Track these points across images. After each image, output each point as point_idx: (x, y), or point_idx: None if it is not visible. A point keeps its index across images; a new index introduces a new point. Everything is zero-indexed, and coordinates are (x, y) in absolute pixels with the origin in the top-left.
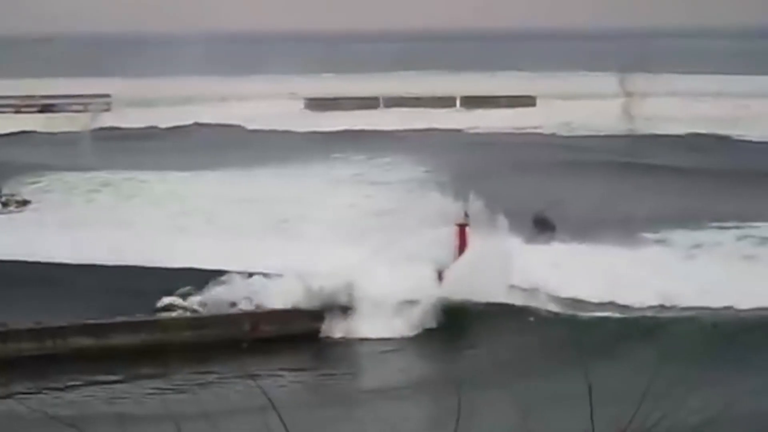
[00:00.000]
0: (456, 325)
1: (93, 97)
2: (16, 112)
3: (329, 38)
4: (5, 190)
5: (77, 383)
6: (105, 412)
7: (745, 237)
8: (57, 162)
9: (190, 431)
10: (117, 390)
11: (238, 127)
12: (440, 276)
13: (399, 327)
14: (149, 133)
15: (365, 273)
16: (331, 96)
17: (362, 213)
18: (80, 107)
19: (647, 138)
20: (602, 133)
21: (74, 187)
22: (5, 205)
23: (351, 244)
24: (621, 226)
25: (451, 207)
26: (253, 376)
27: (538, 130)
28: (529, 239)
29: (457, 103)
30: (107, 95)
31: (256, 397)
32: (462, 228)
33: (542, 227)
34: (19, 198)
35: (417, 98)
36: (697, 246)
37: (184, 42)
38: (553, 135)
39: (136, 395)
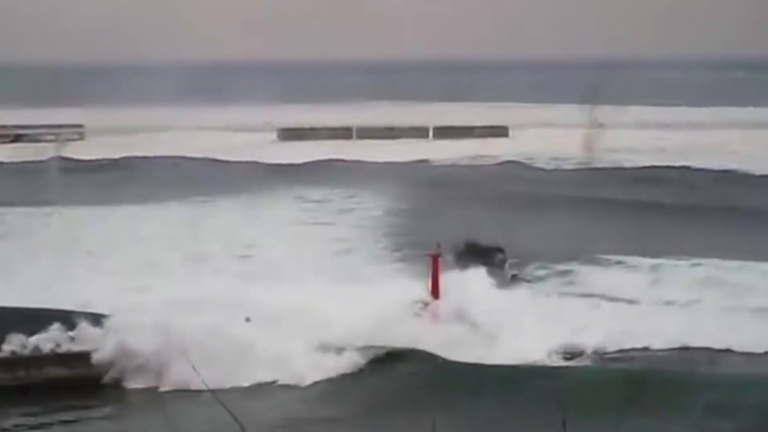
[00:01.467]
0: None
1: (66, 127)
2: None
3: (302, 68)
4: None
5: None
6: None
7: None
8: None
9: None
10: None
11: (208, 158)
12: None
13: None
14: (115, 164)
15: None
16: (304, 126)
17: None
18: (53, 137)
19: (608, 170)
20: (566, 166)
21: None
22: None
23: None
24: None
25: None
26: None
27: (510, 159)
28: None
29: (430, 133)
30: (80, 125)
31: None
32: (435, 258)
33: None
34: None
35: (390, 128)
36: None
37: (158, 71)
38: (519, 166)
39: None
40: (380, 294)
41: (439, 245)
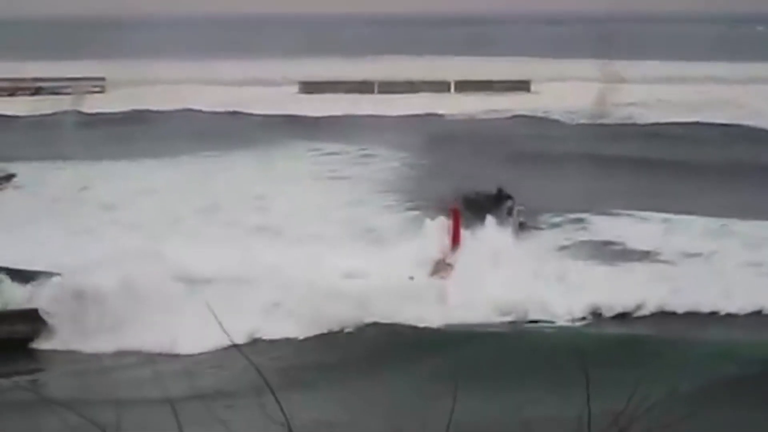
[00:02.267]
0: None
1: (87, 79)
2: (10, 95)
3: (323, 21)
4: None
5: None
6: None
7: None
8: (32, 151)
9: None
10: None
11: (226, 111)
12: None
13: None
14: (133, 117)
15: None
16: (325, 79)
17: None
18: (73, 90)
19: (623, 126)
20: (581, 120)
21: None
22: None
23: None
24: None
25: None
26: None
27: (529, 114)
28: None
29: (452, 87)
30: (101, 78)
31: None
32: (455, 211)
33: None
34: (1, 173)
35: (411, 82)
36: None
37: (180, 24)
38: (537, 120)
39: None
40: (395, 253)
41: (458, 198)
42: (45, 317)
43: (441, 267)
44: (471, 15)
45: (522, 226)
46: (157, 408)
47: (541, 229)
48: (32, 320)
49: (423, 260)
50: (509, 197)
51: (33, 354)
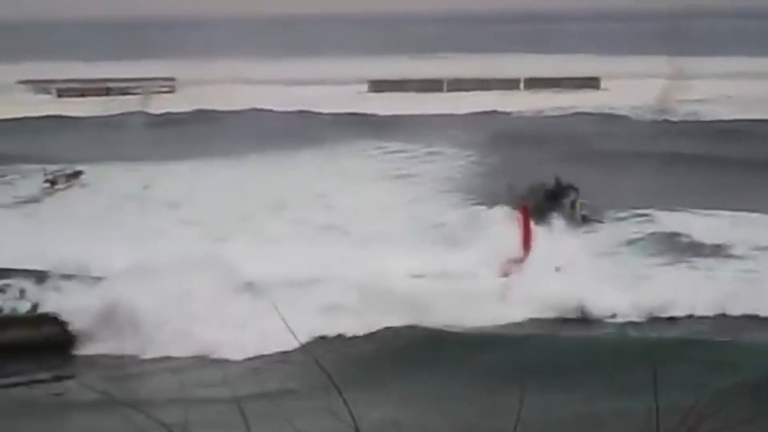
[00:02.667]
0: None
1: (157, 80)
2: (80, 96)
3: (393, 20)
4: (53, 168)
5: None
6: None
7: None
8: (99, 151)
9: None
10: None
11: (295, 111)
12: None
13: None
14: (202, 117)
15: None
16: (395, 78)
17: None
18: (144, 90)
19: (689, 123)
20: (647, 117)
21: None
22: (53, 183)
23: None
24: None
25: None
26: None
27: (597, 111)
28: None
29: (521, 84)
30: (171, 78)
31: None
32: (525, 209)
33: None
34: (69, 171)
35: (481, 80)
36: None
37: (251, 24)
38: (604, 117)
39: None
40: (461, 251)
41: (527, 196)
42: (68, 322)
43: (510, 266)
44: (541, 11)
45: (584, 219)
46: (224, 407)
47: (602, 222)
48: (53, 325)
49: (489, 258)
50: (573, 189)
51: (87, 358)
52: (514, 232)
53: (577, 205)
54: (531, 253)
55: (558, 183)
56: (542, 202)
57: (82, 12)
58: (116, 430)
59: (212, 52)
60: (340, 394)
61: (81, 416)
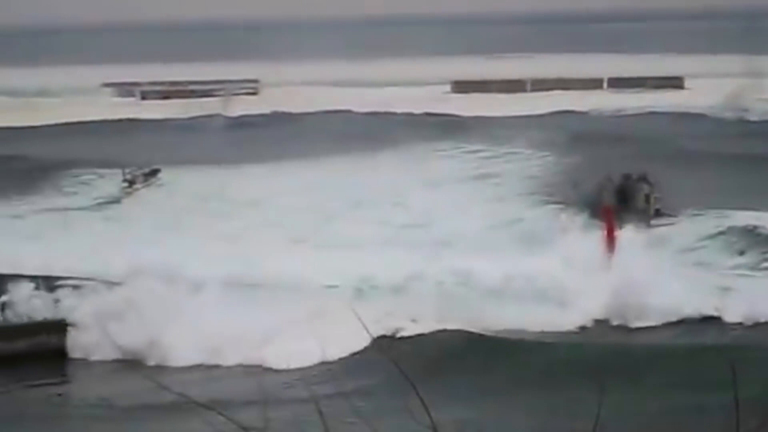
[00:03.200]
0: None
1: (241, 82)
2: (164, 98)
3: (475, 20)
4: (131, 167)
5: None
6: None
7: None
8: (178, 154)
9: None
10: None
11: (376, 112)
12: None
13: None
14: (284, 119)
15: None
16: (478, 78)
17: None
18: (228, 92)
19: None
20: (727, 116)
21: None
22: (131, 183)
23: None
24: None
25: None
26: None
27: (679, 110)
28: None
29: (605, 84)
30: (255, 80)
31: None
32: (608, 211)
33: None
34: (147, 170)
35: (564, 80)
36: None
37: (333, 26)
38: (686, 117)
39: None
40: (542, 251)
41: (611, 197)
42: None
43: (595, 265)
44: (623, 11)
45: (657, 213)
46: (302, 408)
47: (675, 216)
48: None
49: (569, 259)
50: (647, 183)
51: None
52: (596, 233)
53: (651, 198)
54: (614, 254)
55: (627, 177)
56: (613, 198)
57: (166, 15)
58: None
59: (296, 54)
60: (417, 394)
61: (158, 418)
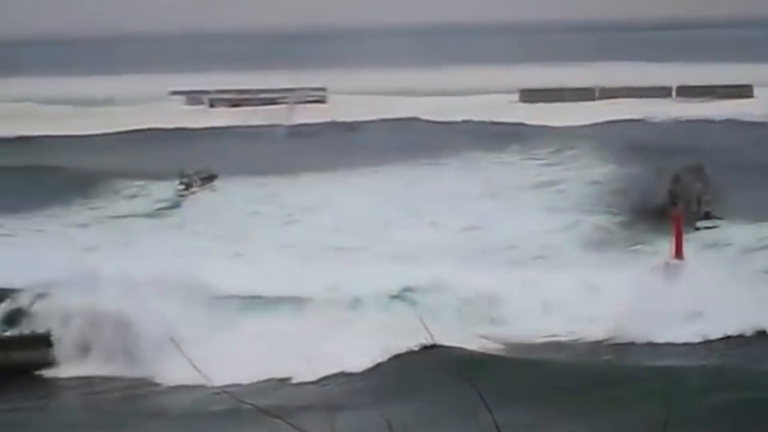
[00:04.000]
0: None
1: (308, 90)
2: (233, 106)
3: (542, 29)
4: (189, 171)
5: None
6: None
7: None
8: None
9: None
10: None
11: (441, 120)
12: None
13: None
14: (349, 127)
15: None
16: (547, 87)
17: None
18: (294, 100)
19: None
20: None
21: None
22: (188, 186)
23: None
24: None
25: None
26: None
27: (755, 119)
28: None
29: (673, 93)
30: (322, 88)
31: None
32: (677, 218)
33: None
34: (204, 174)
35: (631, 88)
36: None
37: (398, 34)
38: (759, 126)
39: None
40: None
41: (680, 204)
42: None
43: (664, 273)
44: (693, 19)
45: (707, 215)
46: (370, 413)
47: (721, 219)
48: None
49: (633, 266)
50: (701, 182)
51: None
52: (660, 241)
53: (703, 199)
54: (683, 262)
55: (677, 178)
56: (672, 201)
57: (235, 23)
58: None
59: (363, 62)
60: (480, 396)
61: (221, 426)
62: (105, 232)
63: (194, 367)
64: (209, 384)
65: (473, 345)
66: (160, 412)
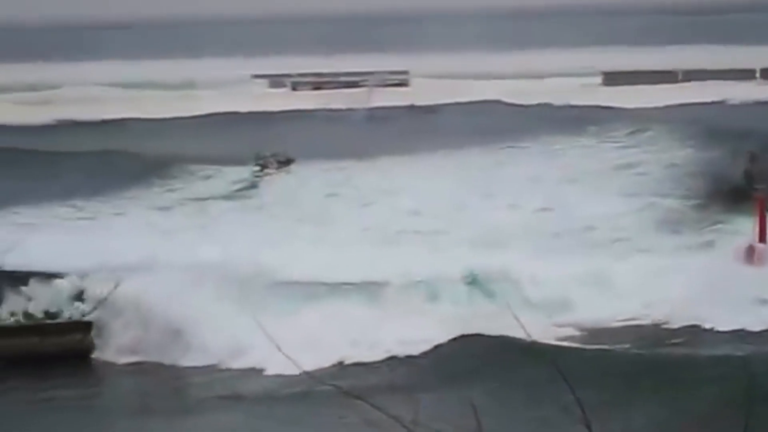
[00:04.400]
0: None
1: (390, 73)
2: (315, 89)
3: (624, 11)
4: (266, 153)
5: None
6: None
7: None
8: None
9: None
10: None
11: (523, 103)
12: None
13: None
14: (429, 110)
15: None
16: (629, 69)
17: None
18: (374, 83)
19: None
20: None
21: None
22: (263, 168)
23: None
24: None
25: None
26: None
27: None
28: None
29: (757, 74)
30: (405, 71)
31: None
32: (761, 200)
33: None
34: (281, 158)
35: (715, 71)
36: None
37: (479, 17)
38: None
39: None
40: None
41: (761, 185)
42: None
43: (750, 257)
44: None
45: None
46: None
47: None
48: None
49: (718, 252)
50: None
51: None
52: (743, 223)
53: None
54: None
55: (754, 157)
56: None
57: (318, 6)
58: (345, 423)
59: (445, 46)
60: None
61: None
62: (185, 215)
63: (279, 350)
64: (297, 368)
65: (547, 330)
66: (235, 396)
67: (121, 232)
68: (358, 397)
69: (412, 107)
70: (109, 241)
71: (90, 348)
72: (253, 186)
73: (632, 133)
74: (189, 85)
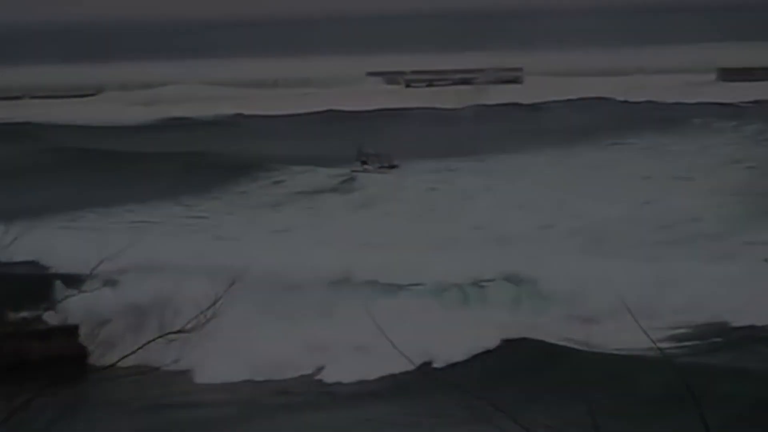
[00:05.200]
0: None
1: (504, 70)
2: (428, 85)
3: (740, 7)
4: (368, 149)
5: None
6: None
7: None
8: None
9: None
10: None
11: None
12: None
13: None
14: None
15: None
16: (745, 66)
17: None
18: (481, 80)
19: None
20: None
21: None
22: (363, 162)
23: None
24: None
25: None
26: None
27: None
28: None
29: None
30: (518, 68)
31: None
32: None
33: None
34: (384, 161)
35: None
36: None
37: (591, 13)
38: None
39: None
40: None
41: None
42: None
43: None
44: None
45: None
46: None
47: None
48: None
49: None
50: None
51: None
52: None
53: None
54: None
55: None
56: None
57: (432, 3)
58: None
59: (559, 43)
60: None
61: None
62: (294, 213)
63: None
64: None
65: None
66: (329, 393)
67: (231, 230)
68: (461, 387)
69: (520, 105)
70: (223, 240)
71: (82, 353)
72: (353, 180)
73: (738, 126)
74: (304, 82)
